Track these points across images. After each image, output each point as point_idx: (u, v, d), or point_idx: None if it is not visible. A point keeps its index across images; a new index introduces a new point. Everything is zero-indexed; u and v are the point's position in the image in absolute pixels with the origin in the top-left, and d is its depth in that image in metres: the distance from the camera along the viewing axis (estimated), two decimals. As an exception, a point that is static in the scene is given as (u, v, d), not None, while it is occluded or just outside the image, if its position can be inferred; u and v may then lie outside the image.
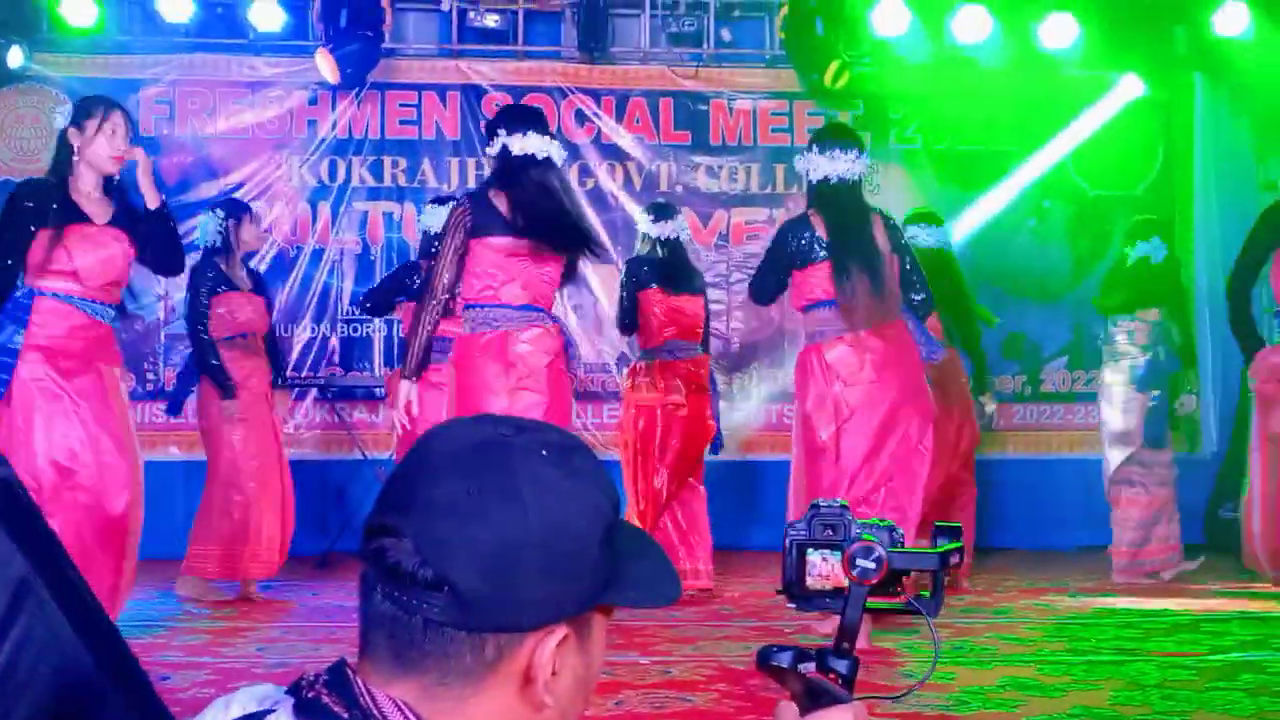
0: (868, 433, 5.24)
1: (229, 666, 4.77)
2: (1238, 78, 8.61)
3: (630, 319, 6.81)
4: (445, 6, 8.55)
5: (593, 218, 8.06)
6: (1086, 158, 8.85)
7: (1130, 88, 8.70)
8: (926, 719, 4.05)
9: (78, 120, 4.90)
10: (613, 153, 8.77)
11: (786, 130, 8.78)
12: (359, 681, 1.10)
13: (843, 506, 1.42)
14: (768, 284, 5.51)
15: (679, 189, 8.67)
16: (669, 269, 6.72)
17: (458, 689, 1.09)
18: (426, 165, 8.61)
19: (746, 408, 8.61)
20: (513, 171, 4.95)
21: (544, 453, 1.14)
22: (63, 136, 4.92)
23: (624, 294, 6.81)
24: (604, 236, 8.55)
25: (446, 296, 4.95)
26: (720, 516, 6.96)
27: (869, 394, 5.25)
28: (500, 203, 4.89)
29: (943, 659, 4.90)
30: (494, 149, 4.97)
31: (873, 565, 1.35)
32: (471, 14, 8.56)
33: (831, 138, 5.38)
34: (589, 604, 1.15)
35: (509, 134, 4.95)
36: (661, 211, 6.86)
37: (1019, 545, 7.98)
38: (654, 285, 6.67)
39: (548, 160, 4.93)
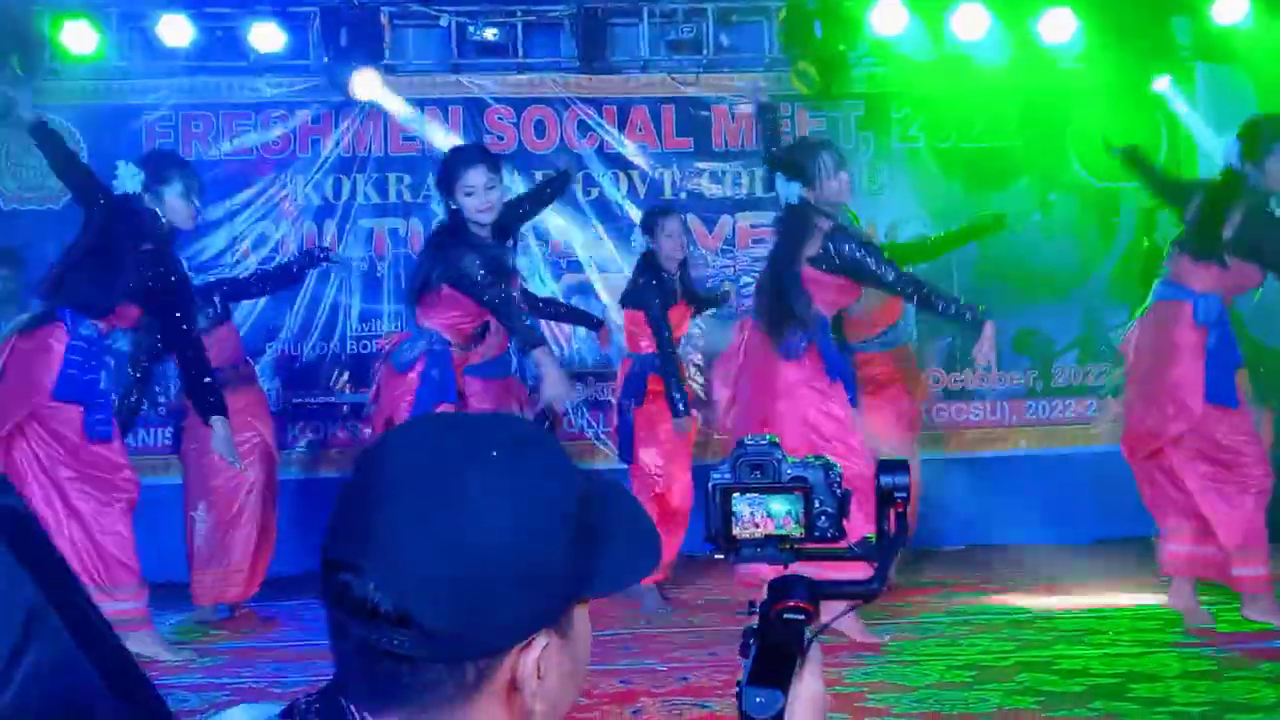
0: (743, 415, 5.63)
1: (248, 687, 4.79)
2: (1240, 66, 8.59)
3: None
4: (444, 22, 8.56)
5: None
6: (1090, 150, 8.82)
7: (1131, 79, 8.67)
8: (946, 717, 4.05)
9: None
10: (616, 161, 8.77)
11: (789, 133, 8.75)
12: (352, 709, 1.08)
13: (771, 443, 1.27)
14: None
15: (683, 195, 8.67)
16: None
17: (445, 714, 1.07)
18: (431, 181, 8.59)
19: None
20: (454, 231, 5.36)
21: (495, 454, 1.07)
22: None
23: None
24: (609, 246, 8.63)
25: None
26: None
27: (735, 379, 5.77)
28: None
29: (960, 656, 4.90)
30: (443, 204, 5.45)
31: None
32: (470, 28, 8.57)
33: (779, 167, 5.65)
34: (565, 607, 1.10)
35: (444, 195, 5.37)
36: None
37: (1032, 541, 7.96)
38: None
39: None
